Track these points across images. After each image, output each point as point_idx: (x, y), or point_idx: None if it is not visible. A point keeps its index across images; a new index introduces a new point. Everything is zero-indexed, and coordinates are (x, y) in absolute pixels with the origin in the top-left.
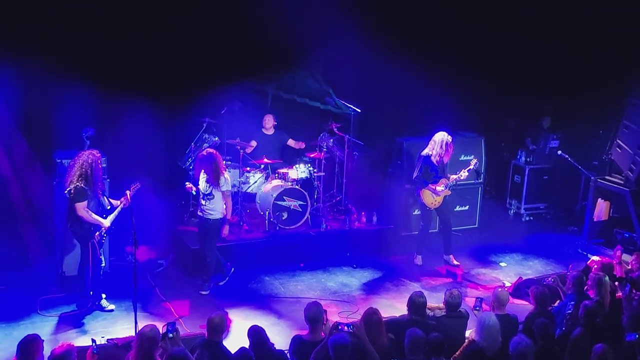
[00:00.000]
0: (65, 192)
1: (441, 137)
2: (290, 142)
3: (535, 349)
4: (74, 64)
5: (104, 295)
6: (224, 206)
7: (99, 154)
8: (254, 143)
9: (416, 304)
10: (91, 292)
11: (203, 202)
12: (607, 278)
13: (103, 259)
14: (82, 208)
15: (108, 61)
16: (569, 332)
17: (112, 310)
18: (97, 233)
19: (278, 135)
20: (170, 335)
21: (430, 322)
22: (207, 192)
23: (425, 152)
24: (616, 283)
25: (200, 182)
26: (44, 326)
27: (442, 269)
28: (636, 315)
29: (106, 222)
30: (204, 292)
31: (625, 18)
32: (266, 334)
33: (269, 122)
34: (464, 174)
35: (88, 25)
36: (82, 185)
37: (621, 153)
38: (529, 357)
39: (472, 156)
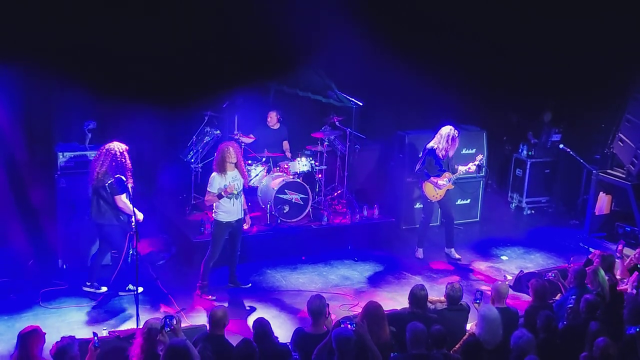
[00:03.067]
0: (106, 185)
1: (447, 130)
2: (285, 145)
3: (537, 341)
4: (75, 58)
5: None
6: None
7: (126, 145)
8: (252, 137)
9: (417, 297)
10: (105, 289)
11: (237, 201)
12: (602, 271)
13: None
14: (121, 200)
15: (110, 55)
16: (571, 326)
17: (136, 292)
18: (133, 224)
19: (282, 129)
20: (168, 328)
21: (432, 315)
22: (240, 188)
23: (430, 144)
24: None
25: (234, 181)
26: (45, 318)
27: (444, 262)
28: (636, 308)
29: (140, 215)
30: (211, 297)
31: (628, 10)
32: (271, 327)
33: (273, 118)
34: (472, 166)
35: (89, 20)
36: (120, 176)
37: (623, 147)
38: (530, 352)
39: (475, 150)
